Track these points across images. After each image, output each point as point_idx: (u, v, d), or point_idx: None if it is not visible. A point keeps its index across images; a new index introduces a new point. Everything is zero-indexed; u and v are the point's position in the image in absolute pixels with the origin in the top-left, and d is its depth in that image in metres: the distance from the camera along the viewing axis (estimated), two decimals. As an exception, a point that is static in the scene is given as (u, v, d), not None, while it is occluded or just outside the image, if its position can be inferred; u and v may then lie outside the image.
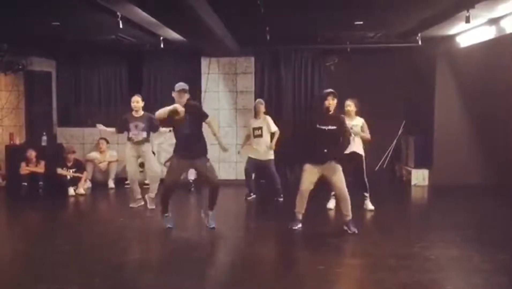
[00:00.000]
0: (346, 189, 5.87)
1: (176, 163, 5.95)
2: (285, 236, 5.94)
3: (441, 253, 5.18)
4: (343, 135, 5.97)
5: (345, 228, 5.92)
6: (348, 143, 6.30)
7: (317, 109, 6.18)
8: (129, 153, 7.34)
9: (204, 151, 5.96)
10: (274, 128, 7.69)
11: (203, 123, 5.97)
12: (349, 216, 5.91)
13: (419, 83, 9.69)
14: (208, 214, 6.14)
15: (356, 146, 6.88)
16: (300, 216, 6.04)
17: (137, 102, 7.32)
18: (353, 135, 6.73)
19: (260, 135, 7.67)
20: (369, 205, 7.06)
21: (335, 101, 5.86)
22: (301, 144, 6.29)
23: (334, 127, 5.81)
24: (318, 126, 5.80)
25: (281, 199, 7.64)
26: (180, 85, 5.86)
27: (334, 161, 5.84)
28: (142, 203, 7.37)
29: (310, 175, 5.88)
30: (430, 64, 9.17)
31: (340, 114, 6.09)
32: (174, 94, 5.85)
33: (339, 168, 5.86)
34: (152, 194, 7.28)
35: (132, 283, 4.47)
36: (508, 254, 5.07)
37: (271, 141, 7.66)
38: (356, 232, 5.85)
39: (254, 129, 7.71)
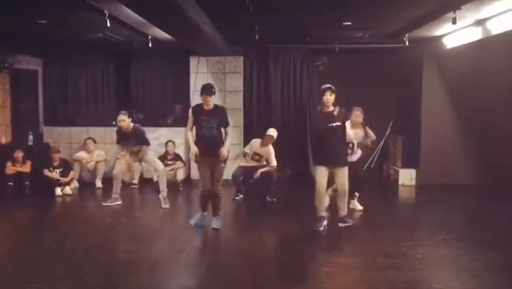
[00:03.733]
0: (347, 186, 5.98)
1: (200, 160, 5.96)
2: (274, 235, 5.95)
3: (429, 252, 5.23)
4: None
5: (340, 224, 6.03)
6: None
7: (316, 107, 6.21)
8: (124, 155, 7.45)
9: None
10: (274, 162, 7.65)
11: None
12: (345, 212, 6.07)
13: (406, 83, 9.76)
14: (215, 219, 6.18)
15: (358, 154, 6.97)
16: (322, 214, 6.03)
17: (123, 121, 7.28)
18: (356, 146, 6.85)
19: (258, 160, 7.70)
20: (358, 206, 7.10)
21: (333, 96, 5.87)
22: (312, 145, 6.36)
23: (339, 124, 5.87)
24: (327, 125, 5.82)
25: (274, 200, 7.64)
26: (205, 88, 5.85)
27: (344, 164, 5.93)
28: (120, 202, 7.43)
29: (322, 176, 5.93)
30: (417, 65, 9.25)
31: (340, 111, 5.96)
32: (201, 97, 5.87)
33: (346, 170, 5.97)
34: (164, 192, 7.32)
35: (122, 282, 4.44)
36: (497, 252, 5.12)
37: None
38: (351, 223, 6.04)
39: (255, 154, 7.69)
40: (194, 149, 5.85)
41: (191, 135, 5.99)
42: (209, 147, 5.85)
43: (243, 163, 7.82)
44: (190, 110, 6.10)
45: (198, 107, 5.98)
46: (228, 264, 5.07)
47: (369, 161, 9.96)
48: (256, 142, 7.76)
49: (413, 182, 9.19)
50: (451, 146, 9.07)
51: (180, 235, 6.02)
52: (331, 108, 5.90)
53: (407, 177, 9.22)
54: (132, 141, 7.30)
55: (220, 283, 4.48)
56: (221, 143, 5.95)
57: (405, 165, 9.28)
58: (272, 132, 7.64)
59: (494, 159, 8.50)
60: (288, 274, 4.69)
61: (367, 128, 6.88)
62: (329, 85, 5.90)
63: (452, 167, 8.88)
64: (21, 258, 5.13)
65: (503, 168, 8.24)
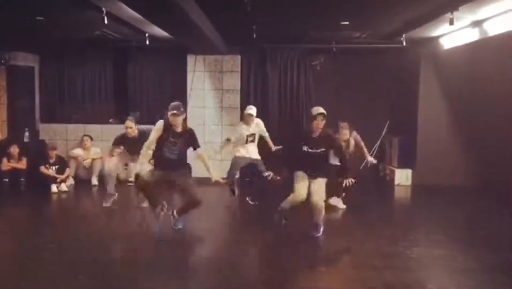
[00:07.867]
0: (323, 202, 5.65)
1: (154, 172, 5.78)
2: (269, 234, 5.95)
3: (424, 252, 5.24)
4: (341, 152, 5.87)
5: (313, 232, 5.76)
6: (347, 157, 6.27)
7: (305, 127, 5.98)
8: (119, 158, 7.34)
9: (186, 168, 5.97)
10: (266, 133, 7.56)
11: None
12: (320, 225, 5.72)
13: (403, 83, 9.78)
14: (176, 218, 5.97)
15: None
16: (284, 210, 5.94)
17: (130, 127, 7.11)
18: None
19: (253, 140, 7.56)
20: (340, 204, 7.16)
21: (324, 122, 5.57)
22: (289, 156, 6.03)
23: (323, 150, 5.62)
24: (305, 149, 5.59)
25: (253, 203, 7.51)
26: (173, 106, 5.54)
27: (322, 177, 5.68)
28: (116, 196, 7.24)
29: (302, 181, 5.67)
30: (414, 65, 9.26)
31: (329, 133, 5.77)
32: (169, 115, 5.52)
33: (323, 182, 5.70)
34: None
35: (116, 280, 4.44)
36: (492, 253, 5.14)
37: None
38: (318, 235, 5.72)
39: (248, 136, 7.53)
40: (144, 168, 5.72)
41: (148, 154, 5.79)
42: (169, 166, 5.64)
43: (239, 153, 7.46)
44: (161, 124, 5.63)
45: (169, 126, 5.59)
46: (222, 264, 5.05)
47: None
48: (240, 126, 7.51)
49: (409, 182, 9.22)
50: (447, 146, 9.09)
51: (176, 235, 6.00)
52: (319, 132, 5.62)
53: (403, 177, 9.24)
54: (139, 145, 7.13)
55: (214, 283, 4.49)
56: (183, 163, 5.85)
57: (401, 165, 9.30)
58: (249, 109, 7.41)
59: (490, 160, 8.53)
60: (283, 273, 4.69)
61: (356, 141, 7.08)
62: (322, 111, 5.56)
63: (448, 167, 8.90)
64: (16, 255, 5.13)
65: (499, 169, 8.27)
